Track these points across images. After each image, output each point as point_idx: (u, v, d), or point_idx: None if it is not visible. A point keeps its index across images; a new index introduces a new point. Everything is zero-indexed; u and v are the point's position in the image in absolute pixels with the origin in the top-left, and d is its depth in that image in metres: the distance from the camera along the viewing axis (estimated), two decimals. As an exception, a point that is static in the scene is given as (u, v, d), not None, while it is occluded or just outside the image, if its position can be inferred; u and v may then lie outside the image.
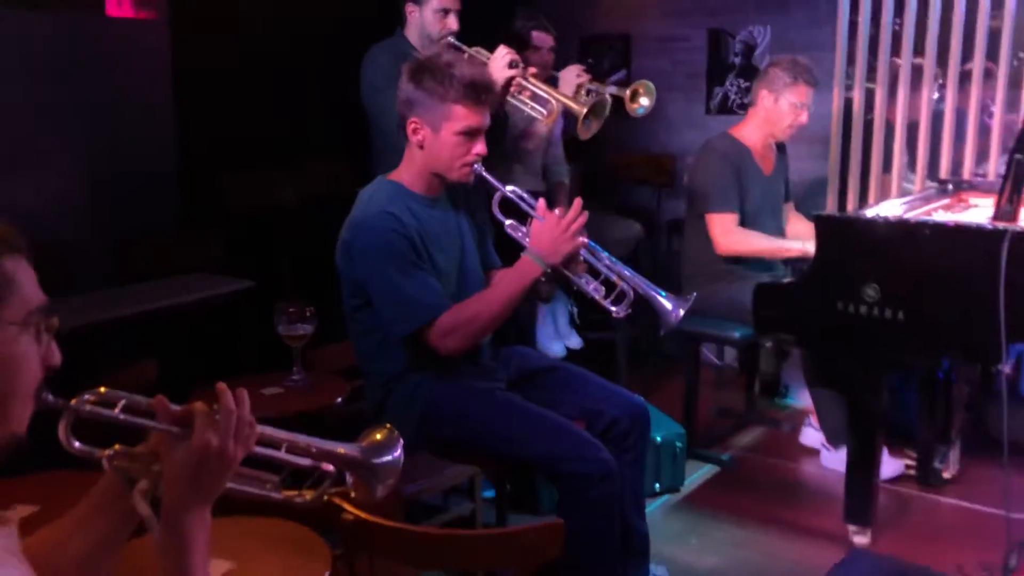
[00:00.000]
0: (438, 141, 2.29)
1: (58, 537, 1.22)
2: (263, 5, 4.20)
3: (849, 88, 4.37)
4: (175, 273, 3.63)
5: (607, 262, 2.35)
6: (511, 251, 2.41)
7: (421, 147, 2.31)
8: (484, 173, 2.33)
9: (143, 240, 3.82)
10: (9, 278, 1.02)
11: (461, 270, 2.43)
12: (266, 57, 4.14)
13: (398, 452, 1.35)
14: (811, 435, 3.79)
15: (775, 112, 3.58)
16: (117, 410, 1.17)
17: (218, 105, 4.05)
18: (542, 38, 3.92)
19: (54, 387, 1.13)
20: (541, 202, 2.33)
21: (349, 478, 1.33)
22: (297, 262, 4.05)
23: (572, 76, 3.74)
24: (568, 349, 4.23)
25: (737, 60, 4.99)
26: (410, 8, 3.39)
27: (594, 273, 2.37)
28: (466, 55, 2.65)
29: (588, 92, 3.79)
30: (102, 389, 1.19)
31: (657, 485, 3.42)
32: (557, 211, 2.31)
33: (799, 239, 3.56)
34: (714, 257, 3.58)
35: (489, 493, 2.97)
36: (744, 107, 4.73)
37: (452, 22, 3.36)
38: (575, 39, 5.36)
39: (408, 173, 2.38)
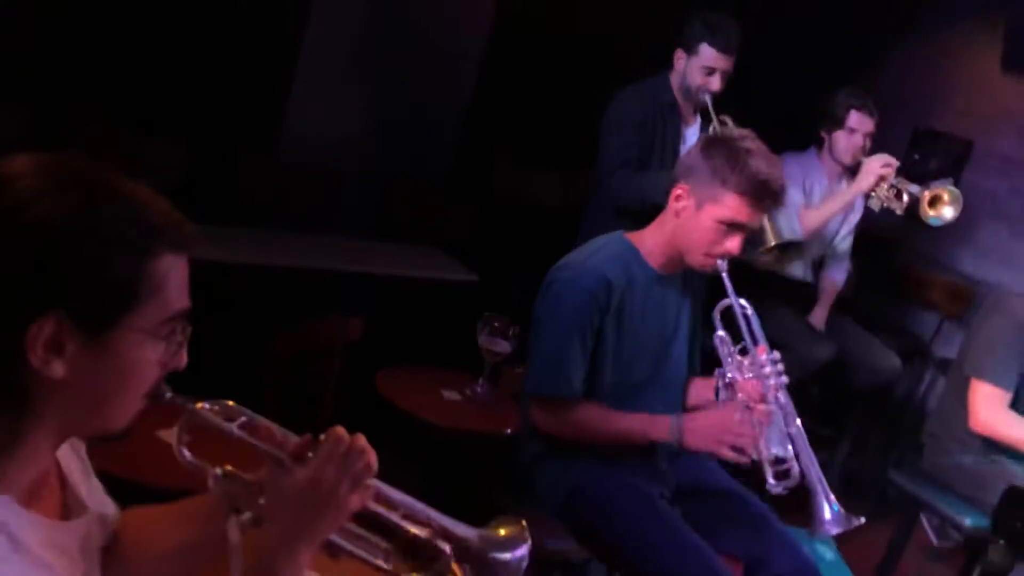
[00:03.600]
0: (695, 219, 2.10)
1: (153, 522, 1.18)
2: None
3: None
4: (425, 237, 3.69)
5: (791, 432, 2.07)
6: None
7: (677, 216, 2.14)
8: (725, 275, 2.12)
9: (406, 195, 3.91)
10: (157, 282, 0.92)
11: (664, 358, 2.24)
12: (576, 61, 4.07)
13: (521, 552, 1.18)
14: (1020, 662, 3.19)
15: (1110, 294, 2.99)
16: (234, 425, 1.09)
17: (518, 88, 4.04)
18: (862, 120, 3.55)
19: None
20: (761, 349, 2.09)
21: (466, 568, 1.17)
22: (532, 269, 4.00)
23: (876, 165, 3.42)
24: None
25: (1089, 211, 4.28)
26: (679, 54, 3.27)
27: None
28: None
29: (890, 188, 3.41)
30: (231, 403, 1.12)
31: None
32: (743, 413, 2.04)
33: None
34: (970, 428, 3.07)
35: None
36: (1077, 266, 4.06)
37: (715, 82, 3.20)
38: (908, 128, 4.85)
39: (652, 239, 2.21)
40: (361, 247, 3.42)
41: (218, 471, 1.11)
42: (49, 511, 0.99)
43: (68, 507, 1.03)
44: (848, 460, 4.01)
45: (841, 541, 3.39)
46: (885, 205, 3.44)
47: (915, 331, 4.64)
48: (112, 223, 0.90)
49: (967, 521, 3.03)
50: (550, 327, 2.13)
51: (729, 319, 2.19)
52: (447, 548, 1.13)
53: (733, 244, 2.08)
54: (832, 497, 2.05)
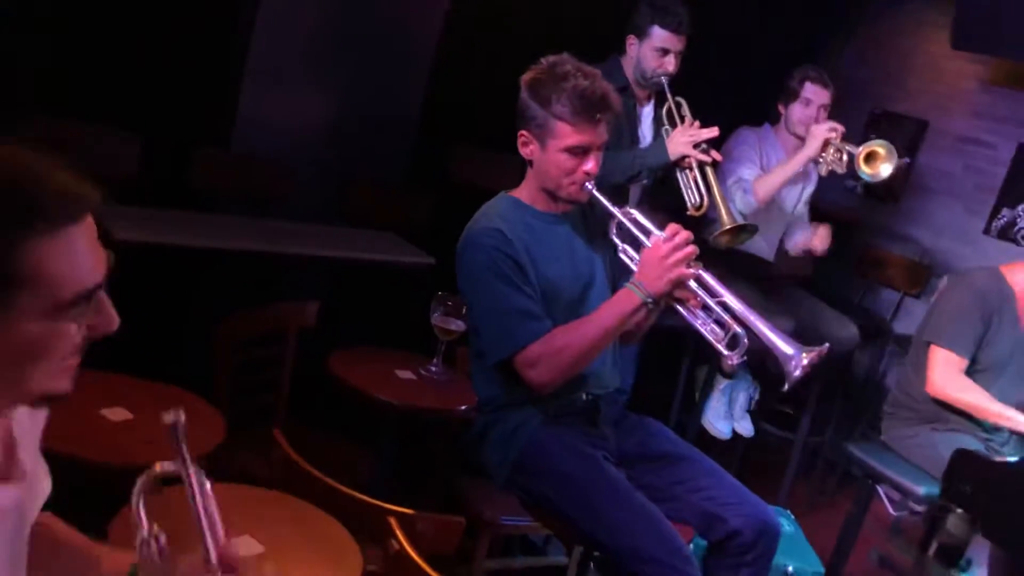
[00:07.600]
0: (545, 158, 2.13)
1: (63, 542, 1.18)
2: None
3: None
4: (384, 226, 3.69)
5: (722, 299, 2.05)
6: None
7: (531, 162, 2.18)
8: (596, 193, 2.14)
9: (363, 185, 3.91)
10: (30, 272, 0.87)
11: (585, 296, 2.24)
12: (528, 46, 4.08)
13: None
14: (979, 629, 3.23)
15: (1061, 268, 3.03)
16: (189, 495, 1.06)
17: (471, 78, 4.05)
18: (816, 92, 3.55)
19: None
20: (669, 227, 2.07)
21: None
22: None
23: (822, 129, 3.42)
24: (736, 434, 3.88)
25: (1041, 186, 4.35)
26: (630, 40, 3.28)
27: (709, 311, 2.08)
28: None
29: (835, 151, 3.43)
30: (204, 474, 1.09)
31: (773, 616, 3.04)
32: (664, 233, 2.06)
33: None
34: (928, 395, 3.11)
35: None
36: (1030, 240, 4.12)
37: (669, 63, 3.21)
38: (864, 110, 4.91)
39: (527, 189, 2.24)
40: (315, 231, 3.40)
41: (146, 538, 1.08)
42: None
43: (8, 470, 1.02)
44: (809, 438, 4.04)
45: (801, 515, 3.44)
46: (832, 169, 3.48)
47: (874, 309, 4.69)
48: None
49: (921, 490, 3.07)
50: (479, 292, 2.13)
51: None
52: None
53: (590, 165, 2.11)
54: (783, 334, 2.03)
